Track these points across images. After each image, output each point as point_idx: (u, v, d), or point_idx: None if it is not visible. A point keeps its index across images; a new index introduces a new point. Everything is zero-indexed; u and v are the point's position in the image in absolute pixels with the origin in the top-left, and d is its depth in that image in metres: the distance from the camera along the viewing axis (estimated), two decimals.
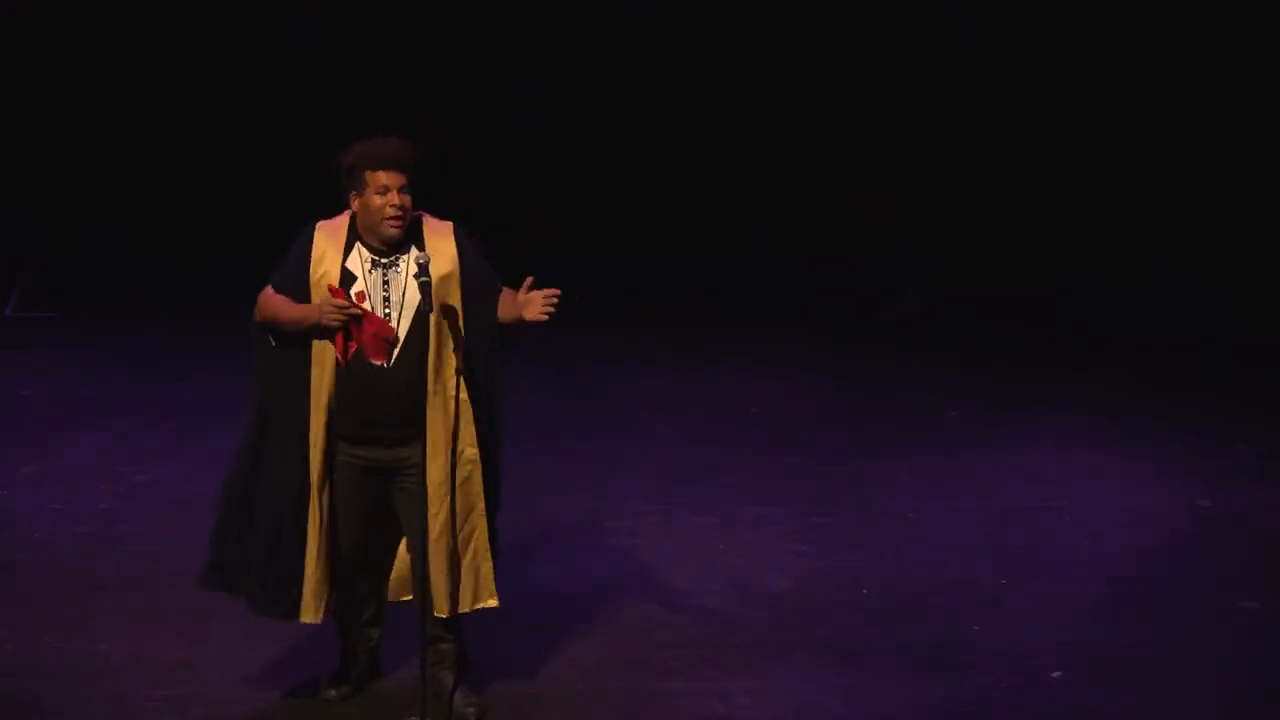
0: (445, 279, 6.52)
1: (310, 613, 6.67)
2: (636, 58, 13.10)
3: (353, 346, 6.49)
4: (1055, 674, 7.23)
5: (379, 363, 6.49)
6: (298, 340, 6.55)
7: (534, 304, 6.49)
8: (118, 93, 13.05)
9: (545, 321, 6.47)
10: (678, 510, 8.83)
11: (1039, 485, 9.22)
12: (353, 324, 6.48)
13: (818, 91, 13.22)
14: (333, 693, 6.91)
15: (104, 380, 10.55)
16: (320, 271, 6.54)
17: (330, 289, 6.48)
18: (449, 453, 6.55)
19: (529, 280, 6.52)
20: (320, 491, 6.60)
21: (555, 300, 6.47)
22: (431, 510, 6.55)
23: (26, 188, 12.99)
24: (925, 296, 12.39)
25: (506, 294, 6.63)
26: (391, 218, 6.47)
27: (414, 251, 6.50)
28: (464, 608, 6.70)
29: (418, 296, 6.47)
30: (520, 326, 6.56)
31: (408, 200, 6.51)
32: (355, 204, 6.54)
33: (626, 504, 8.88)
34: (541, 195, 12.76)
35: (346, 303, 6.46)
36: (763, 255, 12.84)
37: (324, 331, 6.50)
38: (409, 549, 6.78)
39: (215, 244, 12.57)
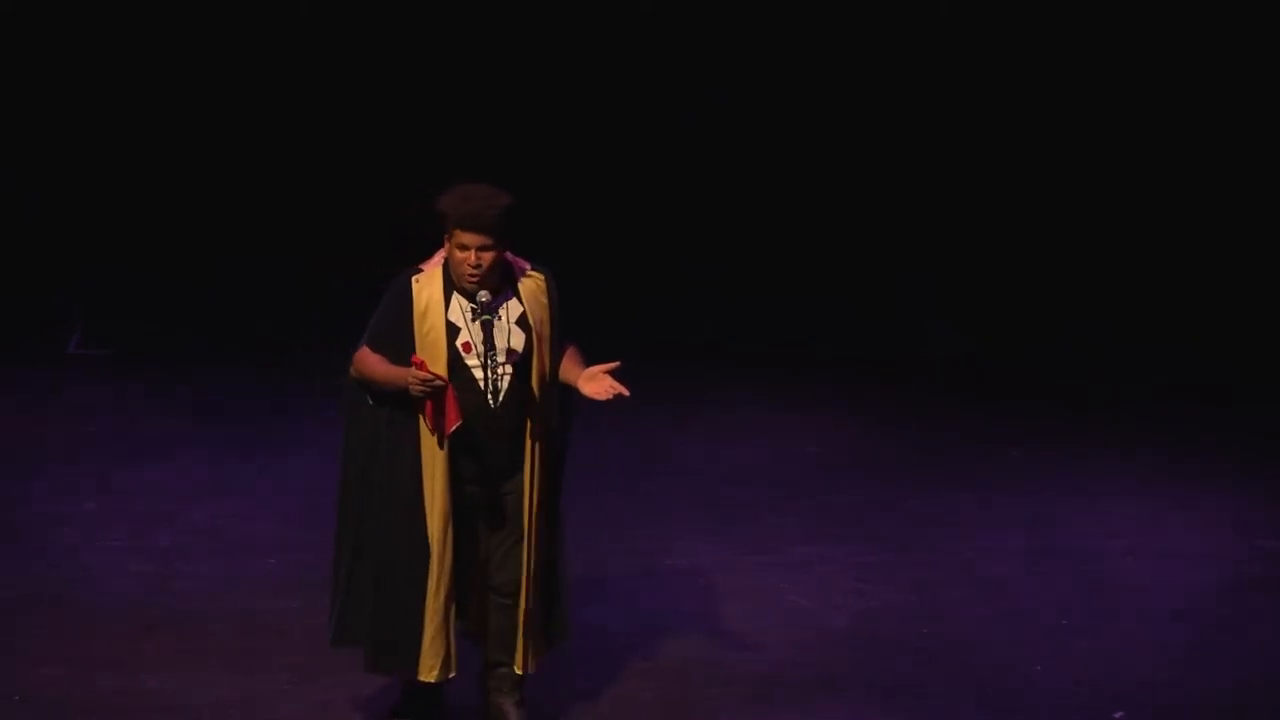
0: (540, 323, 6.55)
1: (428, 670, 6.60)
2: (637, 58, 13.08)
3: (447, 421, 6.41)
4: (1117, 715, 7.17)
5: (456, 424, 6.43)
6: (399, 399, 6.48)
7: (598, 381, 6.50)
8: (166, 130, 13.09)
9: (598, 400, 6.50)
10: (733, 549, 8.80)
11: (1097, 525, 9.16)
12: (437, 394, 6.41)
13: (828, 99, 13.15)
14: None
15: (165, 418, 10.57)
16: (428, 325, 6.49)
17: (414, 360, 6.42)
18: (539, 491, 6.62)
19: (610, 365, 6.54)
20: (443, 550, 6.53)
21: (618, 392, 6.48)
22: (524, 546, 6.61)
23: (73, 222, 13.01)
24: (958, 325, 12.34)
25: (571, 354, 6.66)
26: (469, 275, 6.46)
27: (512, 302, 6.52)
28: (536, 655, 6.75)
29: (520, 340, 6.49)
30: (571, 389, 6.60)
31: (487, 258, 6.45)
32: (446, 248, 6.54)
33: (682, 542, 8.86)
34: (552, 206, 12.69)
35: (429, 375, 6.39)
36: (801, 285, 12.80)
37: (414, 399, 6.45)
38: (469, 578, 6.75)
39: (271, 282, 12.63)
